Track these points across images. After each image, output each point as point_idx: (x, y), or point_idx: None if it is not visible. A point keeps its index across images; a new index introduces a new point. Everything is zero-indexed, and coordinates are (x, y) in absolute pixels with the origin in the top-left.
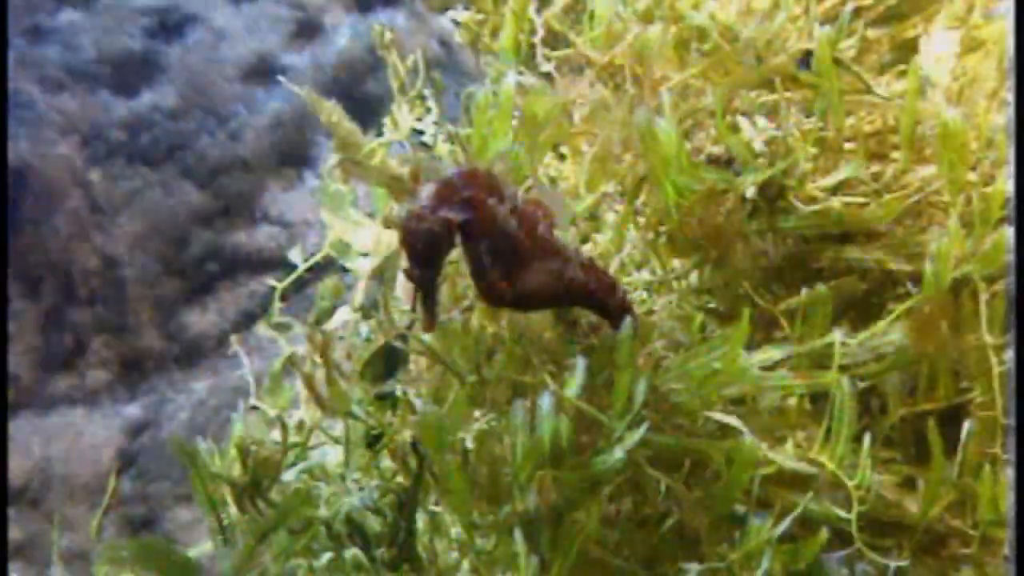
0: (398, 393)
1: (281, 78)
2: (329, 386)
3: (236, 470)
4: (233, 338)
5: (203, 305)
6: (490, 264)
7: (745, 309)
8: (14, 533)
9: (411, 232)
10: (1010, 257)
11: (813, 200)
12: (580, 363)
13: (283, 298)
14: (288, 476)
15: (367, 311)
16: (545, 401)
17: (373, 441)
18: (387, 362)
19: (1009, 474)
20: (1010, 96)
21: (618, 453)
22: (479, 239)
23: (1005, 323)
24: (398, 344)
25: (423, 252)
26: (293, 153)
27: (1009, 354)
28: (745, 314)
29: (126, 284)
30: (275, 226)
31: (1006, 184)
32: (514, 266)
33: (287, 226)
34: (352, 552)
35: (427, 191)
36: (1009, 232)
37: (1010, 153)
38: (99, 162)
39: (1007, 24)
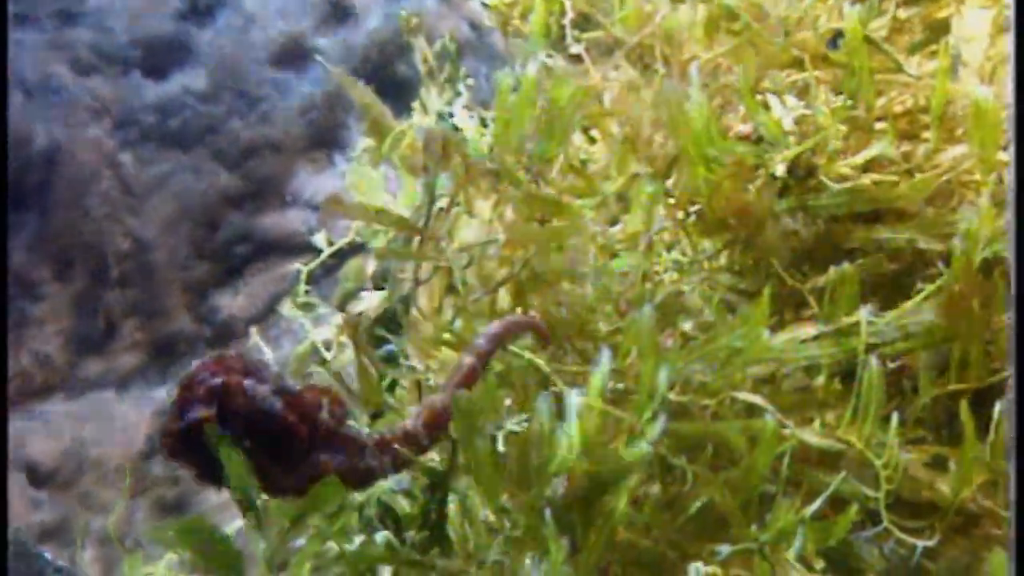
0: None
1: (317, 57)
2: (360, 377)
3: None
4: (252, 329)
5: (234, 288)
6: (258, 450)
7: (767, 287)
8: (46, 515)
9: (165, 445)
10: (1010, 256)
11: (843, 179)
12: (604, 354)
13: (312, 281)
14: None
15: (379, 283)
16: (572, 400)
17: (376, 416)
18: (388, 326)
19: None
20: (1010, 98)
21: (643, 446)
22: (238, 424)
23: None
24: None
25: (186, 458)
26: (323, 136)
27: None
28: (767, 292)
29: (157, 267)
30: (305, 209)
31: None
32: (293, 455)
33: (317, 209)
34: (383, 535)
35: (175, 393)
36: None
37: (1010, 152)
38: (130, 145)
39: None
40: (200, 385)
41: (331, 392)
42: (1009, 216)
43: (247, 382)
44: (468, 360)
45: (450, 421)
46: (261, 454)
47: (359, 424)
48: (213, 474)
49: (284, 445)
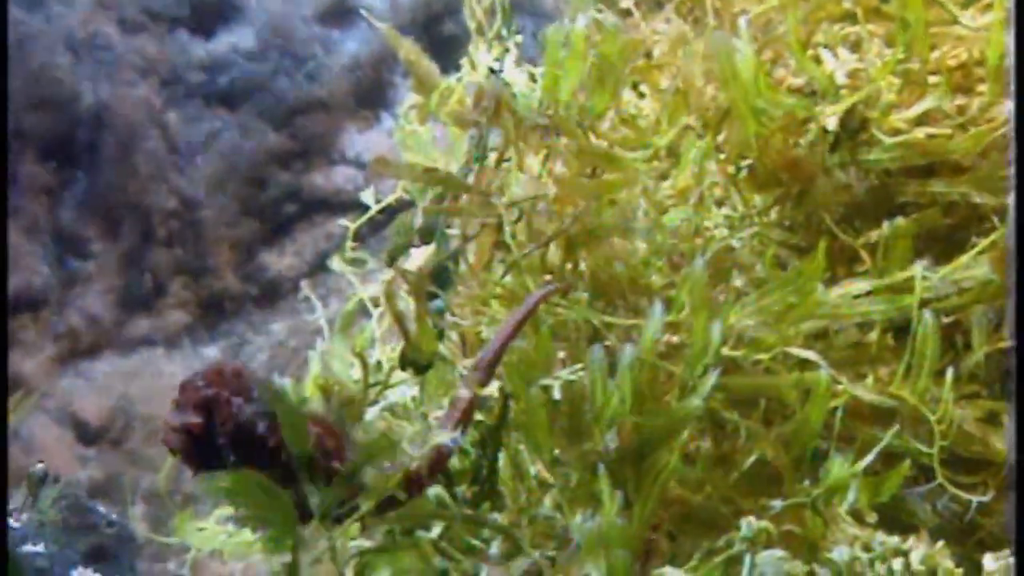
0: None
1: (364, 14)
2: (418, 325)
3: (318, 408)
4: (303, 283)
5: (281, 247)
6: (239, 465)
7: (822, 241)
8: (95, 472)
9: (165, 441)
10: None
11: (896, 132)
12: (657, 307)
13: (360, 239)
14: (370, 415)
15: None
16: (625, 352)
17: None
18: (437, 280)
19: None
20: (1010, 100)
21: (696, 401)
22: (225, 437)
23: None
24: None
25: (188, 457)
26: (371, 94)
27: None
28: (821, 246)
29: (204, 226)
30: (352, 167)
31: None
32: (274, 478)
33: (364, 167)
34: (435, 490)
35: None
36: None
37: (1011, 153)
38: (177, 103)
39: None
40: (195, 391)
41: (327, 424)
42: (1009, 216)
43: (235, 400)
44: (465, 394)
45: (449, 460)
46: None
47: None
48: (209, 472)
49: (268, 467)
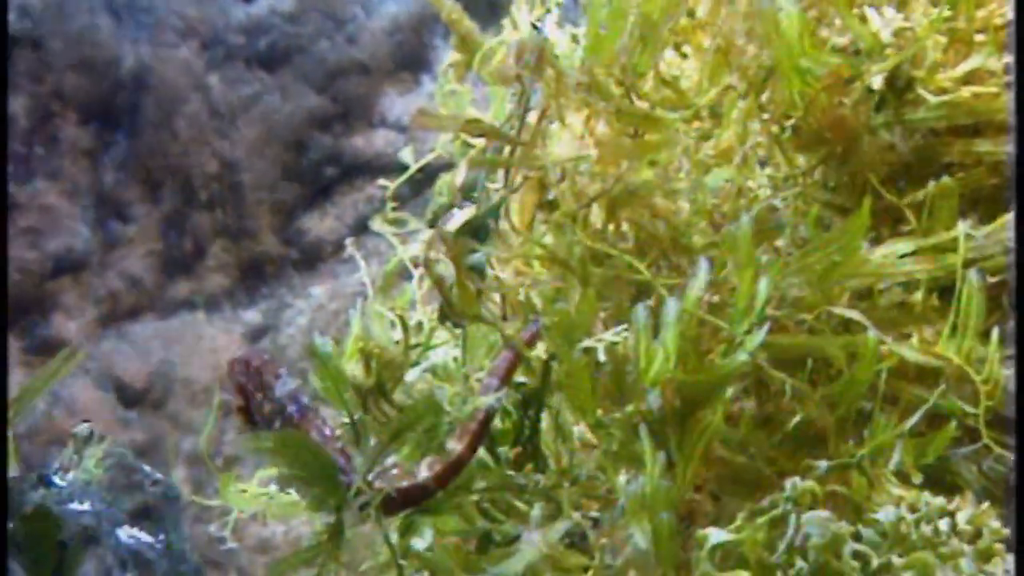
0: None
1: None
2: (459, 288)
3: (358, 371)
4: (348, 241)
5: (321, 210)
6: None
7: (866, 200)
8: (136, 435)
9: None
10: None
11: (942, 91)
12: (702, 264)
13: (400, 201)
14: (411, 376)
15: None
16: (669, 308)
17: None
18: (476, 234)
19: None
20: (1011, 99)
21: (742, 356)
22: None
23: None
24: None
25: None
26: (411, 57)
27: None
28: (866, 204)
29: (245, 189)
30: (392, 130)
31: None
32: None
33: (405, 131)
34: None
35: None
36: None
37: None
38: (218, 66)
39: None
40: (233, 375)
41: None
42: (1010, 217)
43: (256, 395)
44: (480, 417)
45: (462, 470)
46: None
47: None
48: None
49: None
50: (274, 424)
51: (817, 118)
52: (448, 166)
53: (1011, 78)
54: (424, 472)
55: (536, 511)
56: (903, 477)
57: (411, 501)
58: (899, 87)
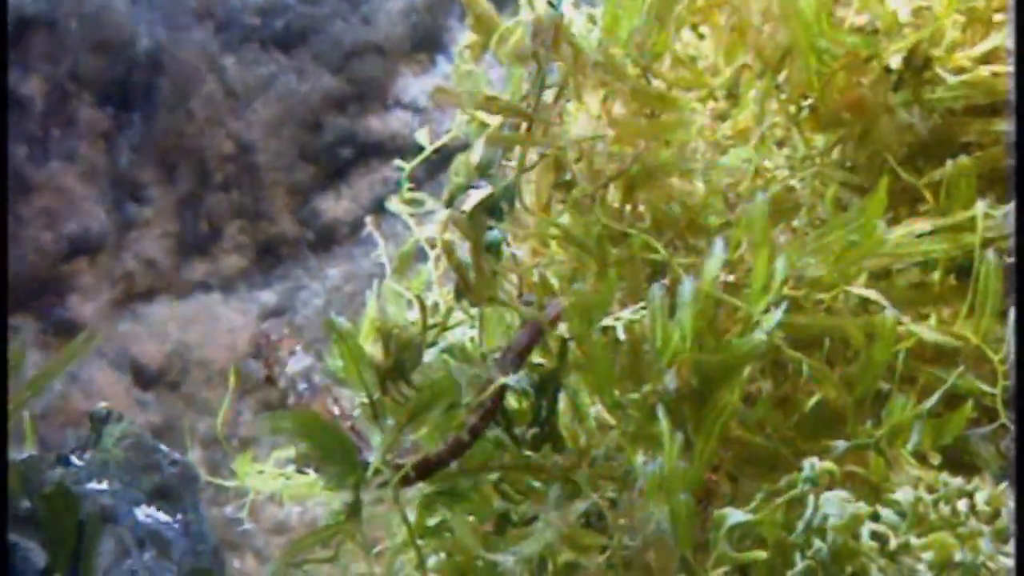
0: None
1: None
2: (476, 271)
3: (375, 351)
4: (368, 219)
5: (337, 191)
6: None
7: (884, 179)
8: (152, 416)
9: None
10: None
11: (960, 71)
12: (718, 244)
13: (416, 182)
14: (429, 357)
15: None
16: (685, 287)
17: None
18: (492, 214)
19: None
20: (1011, 99)
21: (759, 336)
22: None
23: None
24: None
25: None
26: (426, 38)
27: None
28: (883, 184)
29: (260, 170)
30: (408, 111)
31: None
32: None
33: (420, 112)
34: (494, 433)
35: None
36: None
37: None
38: (233, 47)
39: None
40: (261, 348)
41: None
42: (1011, 214)
43: (275, 369)
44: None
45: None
46: None
47: None
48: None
49: None
50: (287, 400)
51: (835, 98)
52: (464, 147)
53: (1010, 70)
54: (433, 453)
55: (554, 491)
56: (921, 457)
57: (423, 474)
58: (917, 66)
